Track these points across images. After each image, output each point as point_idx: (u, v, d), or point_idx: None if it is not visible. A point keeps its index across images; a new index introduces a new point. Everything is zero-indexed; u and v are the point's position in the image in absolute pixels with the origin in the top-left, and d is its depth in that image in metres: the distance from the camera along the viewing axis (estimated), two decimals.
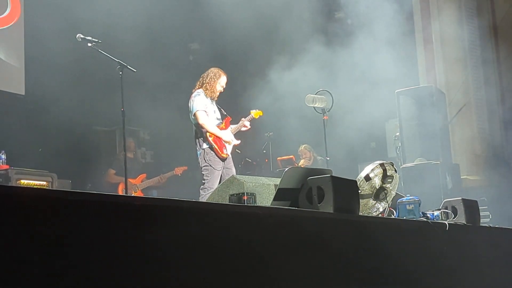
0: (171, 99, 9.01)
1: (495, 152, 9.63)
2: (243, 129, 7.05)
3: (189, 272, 2.69)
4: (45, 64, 8.25)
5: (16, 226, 2.13)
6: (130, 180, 8.87)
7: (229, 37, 9.23)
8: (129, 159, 9.06)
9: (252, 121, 7.21)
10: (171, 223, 2.67)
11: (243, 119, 7.08)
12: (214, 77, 6.75)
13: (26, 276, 2.13)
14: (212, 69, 6.83)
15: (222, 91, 6.85)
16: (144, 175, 9.29)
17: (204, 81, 6.74)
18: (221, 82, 6.79)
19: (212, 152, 6.60)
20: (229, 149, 6.76)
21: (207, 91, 6.70)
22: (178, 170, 9.28)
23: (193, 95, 6.72)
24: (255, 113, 7.19)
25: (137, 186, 9.07)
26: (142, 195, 8.92)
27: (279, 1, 9.12)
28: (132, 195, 8.66)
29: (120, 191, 8.41)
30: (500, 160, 9.47)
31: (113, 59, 6.33)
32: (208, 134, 6.60)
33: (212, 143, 6.60)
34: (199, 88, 6.75)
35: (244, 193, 4.00)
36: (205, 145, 6.62)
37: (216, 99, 6.84)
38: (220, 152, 6.62)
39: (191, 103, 6.66)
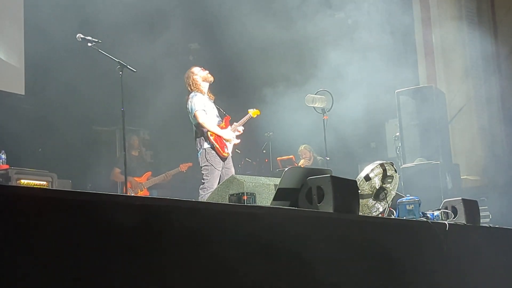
0: (171, 99, 9.00)
1: (495, 152, 9.63)
2: (236, 133, 6.89)
3: (189, 272, 2.69)
4: (45, 64, 8.25)
5: (16, 226, 2.13)
6: (135, 178, 8.88)
7: (229, 37, 9.23)
8: (134, 157, 9.08)
9: (251, 120, 7.16)
10: (171, 223, 2.67)
11: (235, 124, 6.91)
12: (189, 77, 6.71)
13: (26, 276, 2.13)
14: (185, 73, 6.80)
15: (210, 78, 6.74)
16: (149, 173, 9.20)
17: (189, 84, 6.72)
18: (198, 73, 6.73)
19: (213, 151, 6.58)
20: (229, 148, 6.75)
21: (198, 90, 6.69)
22: (183, 167, 9.14)
23: (190, 96, 6.69)
24: (253, 112, 7.14)
25: (142, 185, 9.03)
26: (147, 194, 8.91)
27: (279, 1, 9.13)
28: (137, 194, 8.69)
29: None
30: (500, 160, 9.47)
31: (113, 59, 6.33)
32: (209, 133, 6.59)
33: (214, 142, 6.58)
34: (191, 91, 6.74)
35: (244, 193, 3.99)
36: (206, 145, 6.60)
37: (213, 98, 6.82)
38: (222, 151, 6.60)
39: (190, 104, 6.64)
